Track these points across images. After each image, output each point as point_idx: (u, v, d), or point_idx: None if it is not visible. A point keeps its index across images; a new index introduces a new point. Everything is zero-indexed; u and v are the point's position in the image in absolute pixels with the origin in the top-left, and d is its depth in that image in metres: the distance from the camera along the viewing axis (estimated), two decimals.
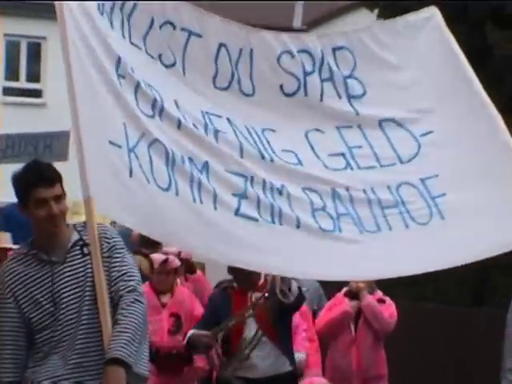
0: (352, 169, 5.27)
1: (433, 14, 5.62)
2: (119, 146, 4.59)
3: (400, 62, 5.52)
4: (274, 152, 5.18)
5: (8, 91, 23.62)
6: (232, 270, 6.29)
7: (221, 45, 5.19)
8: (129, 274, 3.86)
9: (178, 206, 4.80)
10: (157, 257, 7.98)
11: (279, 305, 5.89)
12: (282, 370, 6.12)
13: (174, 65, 5.09)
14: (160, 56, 5.05)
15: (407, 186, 5.16)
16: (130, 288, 3.80)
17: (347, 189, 5.13)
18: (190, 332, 6.38)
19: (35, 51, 23.98)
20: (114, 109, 4.71)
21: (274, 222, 4.92)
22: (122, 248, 3.96)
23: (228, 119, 5.13)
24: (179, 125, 4.91)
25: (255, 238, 4.94)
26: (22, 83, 24.21)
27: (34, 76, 24.27)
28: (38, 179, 3.76)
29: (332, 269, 5.17)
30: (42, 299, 3.71)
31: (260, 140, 5.21)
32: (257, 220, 4.90)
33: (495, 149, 5.28)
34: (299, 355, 6.70)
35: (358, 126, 5.34)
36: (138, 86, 4.80)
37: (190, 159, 4.89)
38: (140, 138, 4.73)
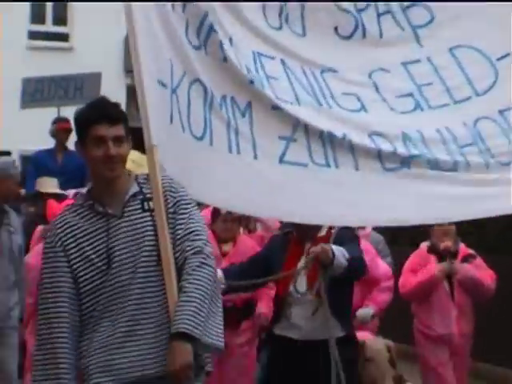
0: (422, 109, 5.01)
1: None
2: (165, 86, 4.39)
3: None
4: (333, 97, 4.93)
5: (34, 35, 23.17)
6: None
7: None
8: (195, 232, 3.60)
9: (210, 156, 4.63)
10: None
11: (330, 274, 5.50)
12: (330, 334, 5.56)
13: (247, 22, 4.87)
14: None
15: (485, 120, 4.93)
16: (196, 249, 3.54)
17: (418, 131, 4.89)
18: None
19: None
20: (163, 42, 4.49)
21: (329, 166, 4.71)
22: (189, 203, 3.70)
23: (282, 61, 4.89)
24: (225, 60, 4.67)
25: (304, 187, 4.74)
26: (49, 27, 23.16)
27: (60, 19, 23.72)
28: (99, 116, 3.54)
29: (397, 213, 4.92)
30: (93, 256, 3.48)
31: (318, 84, 4.95)
32: (306, 165, 4.69)
33: None
34: (363, 310, 6.65)
35: (427, 59, 5.07)
36: (189, 19, 4.60)
37: (232, 98, 4.68)
38: (183, 76, 4.53)
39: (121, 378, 3.47)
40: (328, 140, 4.81)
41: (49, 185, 8.51)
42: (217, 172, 4.64)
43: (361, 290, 6.77)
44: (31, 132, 14.95)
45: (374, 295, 6.97)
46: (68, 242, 3.52)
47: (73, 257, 3.50)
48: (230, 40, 4.74)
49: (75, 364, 3.53)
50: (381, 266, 7.14)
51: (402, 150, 4.81)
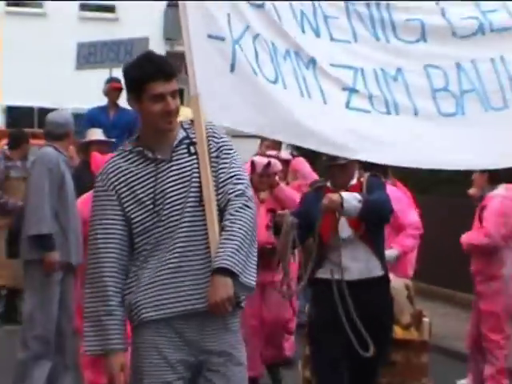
0: (484, 33, 5.15)
1: None
2: (222, 39, 4.62)
3: None
4: (394, 28, 5.14)
5: (84, 7, 25.43)
6: (328, 168, 6.24)
7: None
8: (237, 176, 3.72)
9: (286, 99, 4.83)
10: (259, 160, 8.15)
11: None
12: (372, 274, 5.97)
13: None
14: None
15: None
16: (238, 192, 3.67)
17: (473, 61, 5.05)
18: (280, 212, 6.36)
19: None
20: None
21: (389, 113, 4.97)
22: (231, 149, 3.80)
23: (336, 6, 5.12)
24: (284, 17, 4.92)
25: (369, 130, 4.96)
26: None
27: None
28: (156, 72, 3.59)
29: (455, 155, 5.07)
30: (145, 198, 3.61)
31: (381, 14, 5.15)
32: (369, 112, 4.95)
33: None
34: (389, 251, 6.81)
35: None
36: None
37: (296, 53, 4.94)
38: (245, 31, 4.76)
39: (169, 312, 3.57)
40: (383, 81, 5.04)
41: (95, 134, 9.25)
42: (291, 112, 4.84)
43: (390, 234, 7.07)
44: (84, 91, 16.00)
45: (399, 239, 7.39)
46: (120, 186, 3.62)
47: (125, 200, 3.60)
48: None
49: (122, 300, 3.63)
50: (411, 216, 7.56)
51: (454, 85, 5.00)
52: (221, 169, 3.65)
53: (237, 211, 3.56)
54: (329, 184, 6.14)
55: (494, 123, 5.02)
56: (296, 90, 4.87)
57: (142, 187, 3.57)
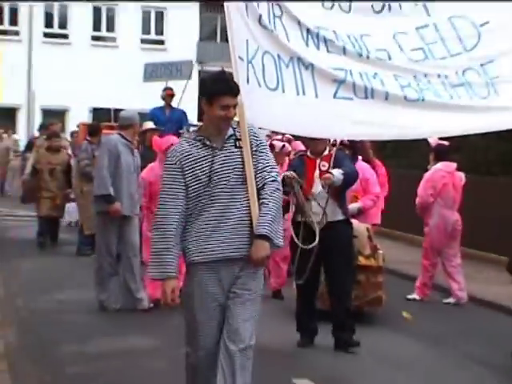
0: (429, 59, 6.64)
1: None
2: (242, 59, 5.87)
3: None
4: (368, 51, 6.54)
5: (144, 41, 38.20)
6: (307, 141, 8.40)
7: None
8: (271, 166, 4.91)
9: (284, 100, 6.17)
10: (276, 143, 10.52)
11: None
12: (336, 218, 7.99)
13: None
14: None
15: (470, 71, 6.55)
16: (272, 178, 4.85)
17: (425, 75, 6.51)
18: (285, 173, 8.01)
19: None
20: (241, 26, 6.00)
21: (366, 97, 6.27)
22: (266, 146, 5.07)
23: (334, 31, 6.50)
24: (300, 36, 6.33)
25: (351, 113, 6.28)
26: (152, 36, 38.82)
27: (160, 31, 39.04)
28: (227, 90, 4.82)
29: (416, 129, 6.67)
30: (200, 174, 4.75)
31: (358, 43, 6.58)
32: (351, 99, 6.24)
33: None
34: (352, 205, 9.09)
35: (433, 25, 6.66)
36: (262, 9, 6.16)
37: (298, 58, 6.23)
38: (256, 50, 6.05)
39: (211, 257, 4.73)
40: (366, 79, 6.36)
41: (149, 124, 12.77)
42: (290, 110, 6.24)
43: (359, 192, 9.60)
44: (147, 97, 20.43)
45: (363, 199, 9.62)
46: (184, 163, 4.78)
47: (186, 173, 4.77)
48: (299, 22, 6.35)
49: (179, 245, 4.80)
50: (374, 187, 9.87)
51: (414, 84, 6.43)
52: (260, 160, 4.86)
53: (272, 193, 4.81)
54: (308, 153, 8.30)
55: (440, 107, 6.46)
56: (293, 91, 6.22)
57: (200, 166, 4.77)
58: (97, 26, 36.69)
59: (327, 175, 7.71)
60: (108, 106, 30.68)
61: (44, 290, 10.52)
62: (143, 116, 12.45)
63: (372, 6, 6.75)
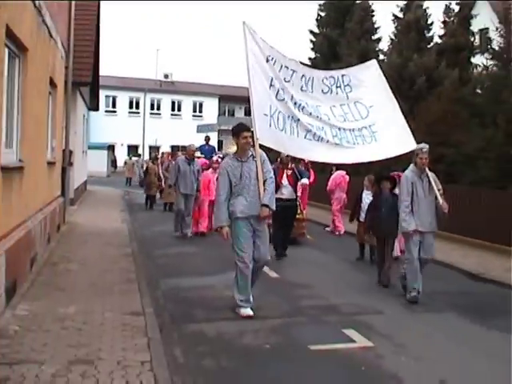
0: (345, 121, 11.35)
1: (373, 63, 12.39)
2: (266, 115, 10.38)
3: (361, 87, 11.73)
4: (320, 114, 11.14)
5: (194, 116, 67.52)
6: (281, 160, 15.36)
7: (302, 75, 11.23)
8: (269, 170, 9.52)
9: (285, 135, 10.59)
10: (283, 155, 16.12)
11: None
12: (292, 197, 15.29)
13: (288, 81, 10.92)
14: (284, 79, 10.86)
15: (364, 128, 11.39)
16: (270, 176, 9.51)
17: (344, 129, 11.23)
18: None
19: None
20: (265, 97, 10.49)
21: (318, 140, 10.94)
22: (267, 160, 9.60)
23: (306, 103, 11.07)
24: (292, 105, 10.82)
25: (311, 146, 10.84)
26: (197, 113, 74.59)
27: (200, 111, 75.36)
28: (244, 129, 9.44)
29: (336, 158, 11.44)
30: (236, 173, 9.28)
31: (315, 109, 11.14)
32: (311, 140, 10.86)
33: (396, 117, 11.69)
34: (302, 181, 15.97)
35: (347, 104, 11.59)
36: (278, 91, 10.73)
37: (292, 117, 10.74)
38: (274, 112, 10.53)
39: (245, 214, 9.38)
40: (319, 130, 10.90)
41: (198, 153, 22.68)
42: (290, 143, 10.66)
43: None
44: (198, 140, 32.57)
45: (310, 183, 17.86)
46: (228, 169, 9.37)
47: (229, 174, 9.36)
48: (292, 97, 10.82)
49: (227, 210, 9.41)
50: (310, 181, 17.74)
51: (338, 136, 11.09)
52: (264, 167, 9.43)
53: (270, 184, 9.43)
54: (280, 165, 15.29)
55: (348, 148, 11.14)
56: (288, 132, 10.59)
57: (235, 170, 9.31)
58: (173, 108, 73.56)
59: (302, 181, 15.69)
60: (177, 144, 52.35)
61: (148, 226, 20.83)
62: (197, 148, 23.38)
63: (322, 89, 11.43)
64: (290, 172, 15.26)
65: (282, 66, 10.74)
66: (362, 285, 11.76)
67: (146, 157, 46.22)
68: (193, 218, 18.53)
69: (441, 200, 10.63)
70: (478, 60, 24.84)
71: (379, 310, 9.87)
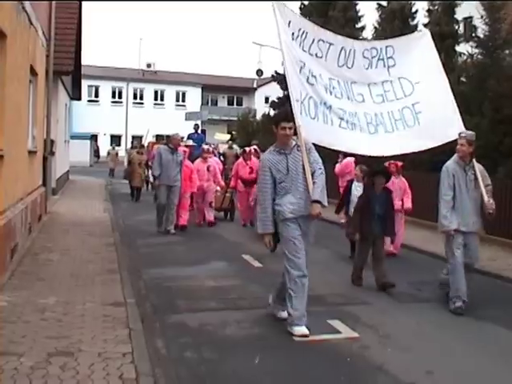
0: (384, 102, 10.20)
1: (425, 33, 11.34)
2: (297, 100, 9.22)
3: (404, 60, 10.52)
4: (353, 95, 10.08)
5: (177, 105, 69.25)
6: None
7: (342, 48, 10.17)
8: (317, 161, 8.14)
9: (321, 125, 9.47)
10: (246, 148, 19.10)
11: None
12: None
13: (321, 57, 9.87)
14: (316, 55, 9.81)
15: (406, 108, 10.22)
16: (319, 167, 8.10)
17: (381, 113, 10.11)
18: None
19: None
20: (297, 82, 9.34)
21: (352, 129, 9.85)
22: (314, 149, 8.21)
23: (338, 81, 10.01)
24: (322, 87, 9.73)
25: (349, 137, 9.78)
26: (180, 102, 74.42)
27: (183, 100, 74.85)
28: (284, 118, 8.15)
29: (374, 149, 10.13)
30: (281, 168, 8.00)
31: (348, 87, 10.08)
32: (346, 129, 9.78)
33: (446, 98, 10.42)
34: None
35: (390, 81, 10.42)
36: (309, 75, 9.58)
37: (325, 102, 9.64)
38: (305, 97, 9.43)
39: (294, 214, 7.97)
40: (352, 116, 9.82)
41: (189, 142, 22.98)
42: (324, 132, 9.43)
43: None
44: (186, 128, 32.86)
45: None
46: (270, 163, 8.01)
47: (272, 169, 8.00)
48: (320, 75, 9.71)
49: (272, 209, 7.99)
50: None
51: (373, 122, 9.99)
52: (311, 157, 8.07)
53: (319, 176, 8.01)
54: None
55: (386, 137, 10.00)
56: (321, 120, 9.44)
57: (279, 165, 7.99)
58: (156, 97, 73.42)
59: None
60: (162, 133, 51.39)
61: (131, 215, 20.77)
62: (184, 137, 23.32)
63: (363, 64, 10.30)
64: None
65: (314, 40, 9.73)
66: (349, 276, 11.55)
67: (129, 146, 46.11)
68: (178, 209, 17.51)
69: (486, 198, 9.31)
70: (463, 48, 24.86)
71: (366, 301, 9.77)
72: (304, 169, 7.96)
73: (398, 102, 10.14)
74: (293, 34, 9.35)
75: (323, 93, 9.60)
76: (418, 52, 10.56)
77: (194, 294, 9.89)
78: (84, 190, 29.60)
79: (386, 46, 10.42)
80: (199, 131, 25.65)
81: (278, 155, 7.99)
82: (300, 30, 9.52)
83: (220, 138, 27.88)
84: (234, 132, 44.90)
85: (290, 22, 9.40)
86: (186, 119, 36.36)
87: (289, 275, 7.93)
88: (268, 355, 7.15)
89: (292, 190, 7.94)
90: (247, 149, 19.09)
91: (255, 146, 20.10)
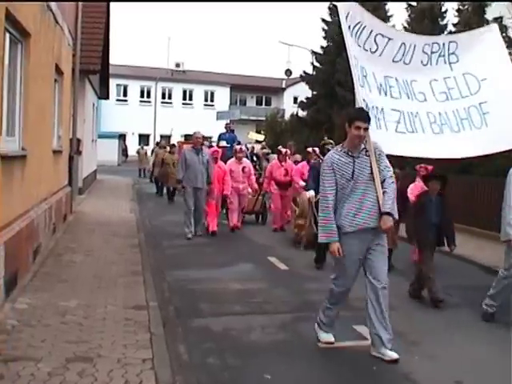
0: (448, 100, 9.38)
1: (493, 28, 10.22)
2: (366, 106, 8.22)
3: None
4: (414, 94, 9.22)
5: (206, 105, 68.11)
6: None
7: (402, 43, 9.26)
8: (388, 168, 7.18)
9: (372, 132, 7.70)
10: (282, 149, 18.39)
11: None
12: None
13: (375, 52, 8.96)
14: (370, 49, 8.90)
15: (473, 107, 9.29)
16: (390, 175, 7.16)
17: (445, 113, 9.23)
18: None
19: None
20: (360, 91, 8.30)
21: (413, 132, 8.93)
22: (384, 154, 7.23)
23: (396, 78, 9.13)
24: (375, 88, 8.75)
25: (409, 142, 8.77)
26: (209, 102, 74.90)
27: (212, 100, 74.90)
28: (359, 116, 7.15)
29: (440, 152, 9.18)
30: (345, 173, 7.02)
31: (408, 87, 9.21)
32: (404, 133, 8.84)
33: None
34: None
35: (453, 77, 9.50)
36: (359, 75, 8.45)
37: (375, 108, 8.53)
38: (372, 108, 8.40)
39: (357, 227, 7.02)
40: (413, 117, 8.94)
41: (223, 143, 22.74)
42: (379, 139, 7.65)
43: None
44: (218, 128, 31.37)
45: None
46: (335, 165, 7.07)
47: (336, 173, 7.06)
48: (373, 74, 8.79)
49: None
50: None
51: (438, 122, 9.08)
52: (381, 163, 7.13)
53: (390, 185, 7.09)
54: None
55: (452, 138, 9.03)
56: (373, 126, 8.02)
57: (345, 168, 7.03)
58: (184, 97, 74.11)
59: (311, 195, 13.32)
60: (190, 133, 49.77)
61: (157, 215, 20.69)
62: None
63: (421, 60, 9.45)
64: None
65: (371, 34, 8.91)
66: None
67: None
68: (207, 215, 16.77)
69: None
70: None
71: (392, 306, 9.40)
72: (371, 176, 7.07)
73: (463, 100, 9.41)
74: (349, 27, 8.60)
75: (375, 95, 8.77)
76: (483, 48, 9.78)
77: (218, 298, 9.71)
78: (111, 189, 29.56)
79: (450, 42, 9.71)
80: (230, 131, 24.67)
81: (345, 157, 7.10)
82: (358, 23, 8.79)
83: (253, 137, 26.80)
84: (262, 132, 44.60)
85: (348, 14, 8.67)
86: (217, 119, 36.11)
87: (331, 290, 7.47)
88: (293, 362, 6.94)
89: (353, 198, 7.05)
90: (283, 150, 18.34)
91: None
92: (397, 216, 7.10)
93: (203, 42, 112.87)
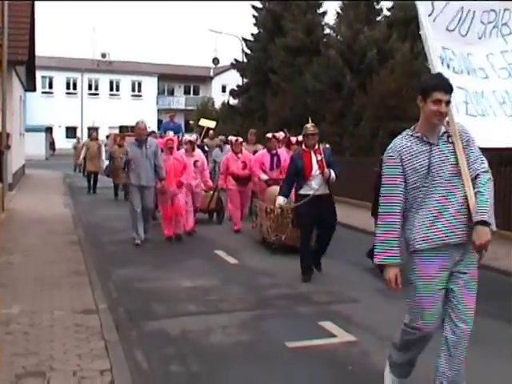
0: (511, 76, 8.40)
1: None
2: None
3: None
4: (473, 68, 8.21)
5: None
6: (304, 136, 10.71)
7: (461, 8, 8.17)
8: (482, 159, 5.02)
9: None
10: (278, 135, 15.47)
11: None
12: (325, 192, 10.50)
13: (430, 15, 7.96)
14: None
15: None
16: (485, 169, 4.98)
17: (506, 92, 8.27)
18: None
19: None
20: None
21: (483, 115, 7.90)
22: (474, 141, 5.10)
23: (453, 52, 8.04)
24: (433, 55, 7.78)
25: (479, 127, 7.13)
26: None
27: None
28: (438, 85, 4.94)
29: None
30: (419, 167, 4.90)
31: (466, 60, 8.19)
32: (474, 116, 7.79)
33: None
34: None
35: (511, 50, 8.53)
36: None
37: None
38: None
39: (434, 244, 4.86)
40: (480, 98, 7.97)
41: (170, 134, 15.47)
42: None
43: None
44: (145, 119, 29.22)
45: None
46: (403, 157, 4.94)
47: (406, 166, 4.93)
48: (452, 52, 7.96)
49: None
50: None
51: (508, 102, 8.12)
52: (471, 152, 5.00)
53: (486, 182, 4.90)
54: (303, 146, 10.73)
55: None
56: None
57: (418, 160, 4.91)
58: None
59: (329, 174, 10.31)
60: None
61: (93, 210, 19.78)
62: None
63: (478, 32, 8.41)
64: (319, 157, 10.51)
65: None
66: (329, 269, 10.86)
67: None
68: (165, 217, 14.32)
69: None
70: None
71: (354, 298, 9.11)
72: (457, 170, 4.98)
73: None
74: None
75: (437, 65, 7.55)
76: None
77: (169, 297, 9.16)
78: (42, 184, 28.55)
79: (504, 9, 8.49)
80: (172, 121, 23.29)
81: (418, 144, 5.02)
82: None
83: (205, 124, 24.26)
84: (191, 121, 43.74)
85: None
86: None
87: (404, 326, 5.25)
88: (261, 365, 6.47)
89: (432, 202, 4.96)
90: (233, 138, 15.89)
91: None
92: (494, 227, 4.90)
93: (129, 32, 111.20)
